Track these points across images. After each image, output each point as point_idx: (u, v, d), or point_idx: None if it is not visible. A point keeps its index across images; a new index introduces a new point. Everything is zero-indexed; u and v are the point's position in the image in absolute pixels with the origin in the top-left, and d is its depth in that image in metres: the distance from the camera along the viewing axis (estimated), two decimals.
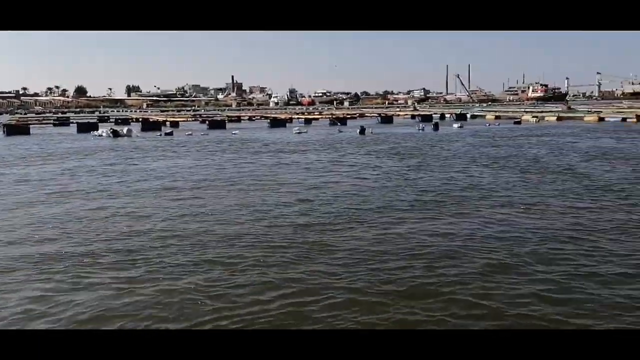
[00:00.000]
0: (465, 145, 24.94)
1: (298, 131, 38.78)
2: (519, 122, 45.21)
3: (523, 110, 60.68)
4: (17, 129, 39.58)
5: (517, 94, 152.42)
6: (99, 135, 36.88)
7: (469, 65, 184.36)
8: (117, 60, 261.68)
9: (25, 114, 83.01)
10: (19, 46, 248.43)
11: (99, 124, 45.00)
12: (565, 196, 11.36)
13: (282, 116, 53.34)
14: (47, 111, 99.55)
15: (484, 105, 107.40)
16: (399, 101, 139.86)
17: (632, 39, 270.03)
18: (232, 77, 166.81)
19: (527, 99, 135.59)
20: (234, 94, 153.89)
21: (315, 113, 64.46)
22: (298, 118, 52.02)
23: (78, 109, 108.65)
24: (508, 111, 60.82)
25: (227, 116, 57.48)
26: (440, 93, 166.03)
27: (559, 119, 48.32)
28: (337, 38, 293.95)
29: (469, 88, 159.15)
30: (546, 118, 49.61)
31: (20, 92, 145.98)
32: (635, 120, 43.07)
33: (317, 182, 13.83)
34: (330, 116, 51.41)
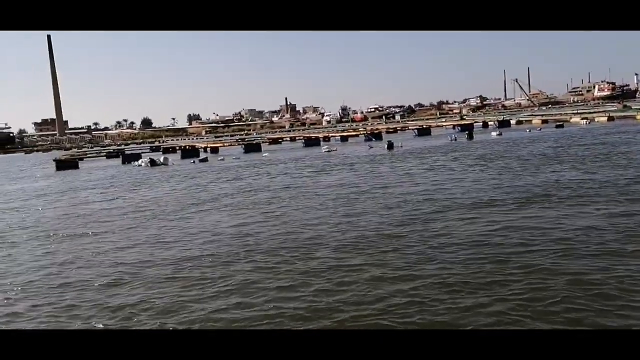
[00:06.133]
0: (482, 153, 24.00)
1: (327, 150, 38.87)
2: (561, 126, 42.89)
3: (571, 112, 57.67)
4: (67, 164, 42.30)
5: (581, 94, 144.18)
6: (139, 165, 38.67)
7: (529, 68, 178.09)
8: (181, 89, 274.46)
9: (92, 147, 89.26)
10: (92, 87, 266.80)
11: (144, 154, 47.05)
12: None
13: (320, 135, 53.73)
14: (115, 143, 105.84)
15: (544, 108, 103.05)
16: (454, 111, 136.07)
17: None
18: (286, 98, 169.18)
19: (593, 99, 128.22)
20: (287, 116, 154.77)
21: (352, 130, 64.40)
22: (333, 136, 52.16)
23: (141, 140, 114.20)
24: (555, 114, 57.98)
25: (269, 138, 58.58)
26: (499, 99, 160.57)
27: (610, 119, 45.52)
28: (390, 49, 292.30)
29: (529, 92, 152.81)
30: (597, 119, 46.87)
31: (92, 127, 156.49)
32: None
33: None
34: (365, 132, 51.08)
